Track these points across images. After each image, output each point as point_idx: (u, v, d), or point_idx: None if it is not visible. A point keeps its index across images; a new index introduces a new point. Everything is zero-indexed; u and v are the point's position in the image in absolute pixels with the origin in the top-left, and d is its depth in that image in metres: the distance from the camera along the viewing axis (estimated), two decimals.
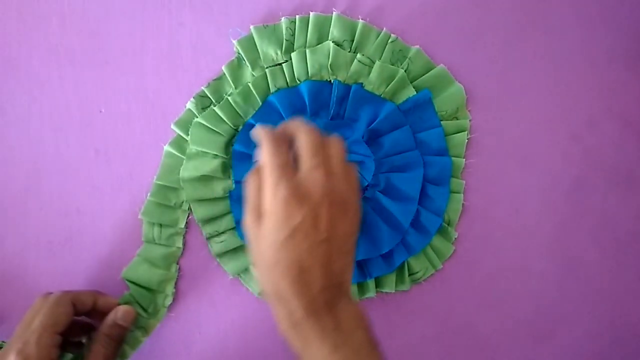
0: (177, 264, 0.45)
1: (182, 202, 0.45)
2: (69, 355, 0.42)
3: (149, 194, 0.44)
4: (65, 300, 0.38)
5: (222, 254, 0.44)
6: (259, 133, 0.37)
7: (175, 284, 0.45)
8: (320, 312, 0.34)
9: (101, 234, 0.45)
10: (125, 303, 0.42)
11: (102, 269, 0.45)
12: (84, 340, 0.42)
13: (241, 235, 0.44)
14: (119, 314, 0.40)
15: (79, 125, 0.46)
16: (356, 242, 0.38)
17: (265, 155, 0.36)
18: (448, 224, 0.45)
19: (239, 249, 0.44)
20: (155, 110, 0.46)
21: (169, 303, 0.44)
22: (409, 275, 0.45)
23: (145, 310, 0.43)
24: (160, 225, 0.44)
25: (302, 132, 0.37)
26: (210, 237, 0.44)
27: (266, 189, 0.35)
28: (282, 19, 0.45)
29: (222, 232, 0.44)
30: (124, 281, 0.44)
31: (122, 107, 0.46)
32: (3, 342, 0.43)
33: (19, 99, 0.46)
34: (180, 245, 0.45)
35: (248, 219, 0.36)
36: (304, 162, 0.36)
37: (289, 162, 0.36)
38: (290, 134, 0.37)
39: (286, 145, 0.37)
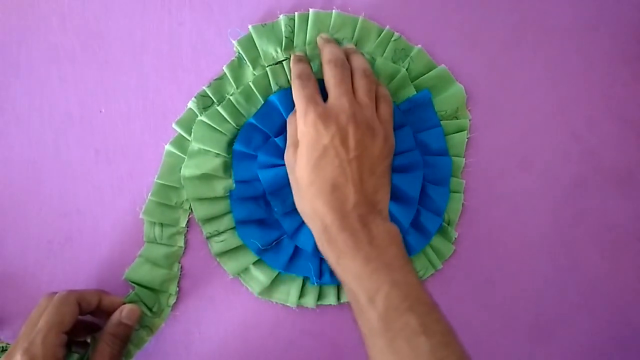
0: (179, 263, 0.45)
1: (183, 202, 0.44)
2: (75, 355, 0.42)
3: (149, 194, 0.44)
4: (70, 300, 0.38)
5: (221, 254, 0.44)
6: (292, 66, 0.42)
7: (178, 283, 0.45)
8: (354, 227, 0.36)
9: (101, 234, 0.45)
10: (130, 302, 0.42)
11: (103, 269, 0.45)
12: (89, 340, 0.42)
13: (241, 235, 0.44)
14: (124, 312, 0.41)
15: (79, 125, 0.46)
16: (390, 170, 0.41)
17: (294, 90, 0.40)
18: (448, 224, 0.45)
19: (239, 249, 0.44)
20: (155, 110, 0.46)
21: (173, 302, 0.44)
22: None
23: (150, 309, 0.43)
24: (162, 225, 0.44)
25: (329, 65, 0.40)
26: (210, 237, 0.44)
27: (299, 120, 0.39)
28: (280, 16, 0.45)
29: (222, 232, 0.44)
30: (127, 282, 0.44)
31: (122, 107, 0.46)
32: (8, 344, 0.43)
33: (19, 99, 0.46)
34: (182, 244, 0.45)
35: (287, 153, 0.41)
36: (330, 92, 0.40)
37: (316, 93, 0.40)
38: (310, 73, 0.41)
39: (313, 80, 0.41)
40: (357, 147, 0.38)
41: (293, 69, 0.42)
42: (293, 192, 0.41)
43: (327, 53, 0.41)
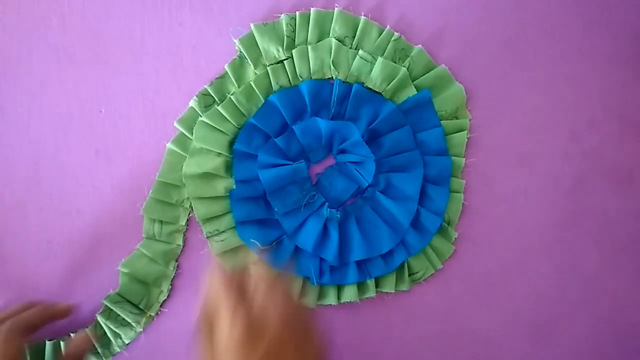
0: (176, 261, 0.45)
1: (184, 200, 0.45)
2: None
3: (150, 191, 0.44)
4: (14, 332, 0.37)
5: (222, 253, 0.44)
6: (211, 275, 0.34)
7: (172, 281, 0.45)
8: None
9: (101, 234, 0.45)
10: (114, 301, 0.43)
11: (102, 269, 0.45)
12: None
13: (241, 235, 0.44)
14: (80, 341, 0.42)
15: (79, 125, 0.46)
16: None
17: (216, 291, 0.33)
18: (448, 224, 0.45)
19: (239, 249, 0.44)
20: (155, 109, 0.46)
21: (163, 299, 0.44)
22: (409, 275, 0.45)
23: (136, 306, 0.44)
24: (161, 222, 0.44)
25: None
26: (210, 236, 0.44)
27: (222, 319, 0.32)
28: (282, 15, 0.45)
29: (223, 231, 0.44)
30: (120, 272, 0.44)
31: (122, 107, 0.46)
32: None
33: (19, 99, 0.46)
34: (181, 242, 0.45)
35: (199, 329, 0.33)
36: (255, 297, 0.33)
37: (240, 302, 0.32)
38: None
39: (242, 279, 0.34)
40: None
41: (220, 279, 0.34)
42: None
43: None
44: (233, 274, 0.34)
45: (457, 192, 0.45)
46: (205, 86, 0.45)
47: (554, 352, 0.46)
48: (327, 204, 0.44)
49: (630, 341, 0.46)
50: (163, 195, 0.44)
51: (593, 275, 0.46)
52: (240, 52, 0.45)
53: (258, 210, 0.44)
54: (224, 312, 0.32)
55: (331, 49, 0.45)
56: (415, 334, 0.46)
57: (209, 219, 0.44)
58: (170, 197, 0.44)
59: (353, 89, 0.44)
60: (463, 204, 0.45)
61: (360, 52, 0.45)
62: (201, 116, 0.44)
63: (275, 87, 0.45)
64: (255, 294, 0.33)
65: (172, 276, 0.45)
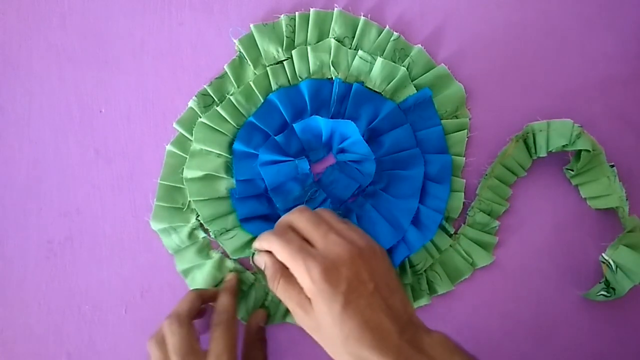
0: (212, 249, 0.44)
1: (189, 202, 0.44)
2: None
3: (155, 199, 0.44)
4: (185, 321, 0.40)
5: (237, 250, 0.44)
6: (261, 242, 0.38)
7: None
8: (411, 357, 0.34)
9: (101, 234, 0.45)
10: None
11: (102, 269, 0.45)
12: None
13: (248, 231, 0.44)
14: (259, 317, 0.43)
15: (79, 125, 0.46)
16: (398, 275, 0.38)
17: (279, 252, 0.36)
18: (446, 220, 0.45)
19: (251, 242, 0.44)
20: (155, 110, 0.46)
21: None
22: (410, 267, 0.45)
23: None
24: (175, 229, 0.44)
25: (294, 217, 0.38)
26: (219, 235, 0.44)
27: (300, 279, 0.35)
28: (282, 15, 0.45)
29: (230, 229, 0.44)
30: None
31: (122, 107, 0.46)
32: None
33: (19, 99, 0.46)
34: (204, 235, 0.44)
35: (298, 316, 0.36)
36: (313, 238, 0.37)
37: (303, 243, 0.36)
38: (286, 226, 0.38)
39: (292, 232, 0.37)
40: (372, 277, 0.35)
41: (262, 238, 0.39)
42: (329, 351, 0.36)
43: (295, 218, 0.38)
44: (284, 232, 0.37)
45: (457, 192, 0.45)
46: (205, 86, 0.45)
47: (554, 352, 0.46)
48: (329, 199, 0.44)
49: (630, 341, 0.46)
50: (168, 201, 0.44)
51: (593, 275, 0.46)
52: (240, 52, 0.45)
53: (260, 208, 0.44)
54: (297, 271, 0.35)
55: (331, 49, 0.45)
56: None
57: (214, 219, 0.44)
58: (175, 201, 0.44)
59: (353, 88, 0.44)
60: (464, 202, 0.45)
61: (360, 52, 0.45)
62: (200, 117, 0.44)
63: (274, 87, 0.45)
64: (313, 241, 0.37)
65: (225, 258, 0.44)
